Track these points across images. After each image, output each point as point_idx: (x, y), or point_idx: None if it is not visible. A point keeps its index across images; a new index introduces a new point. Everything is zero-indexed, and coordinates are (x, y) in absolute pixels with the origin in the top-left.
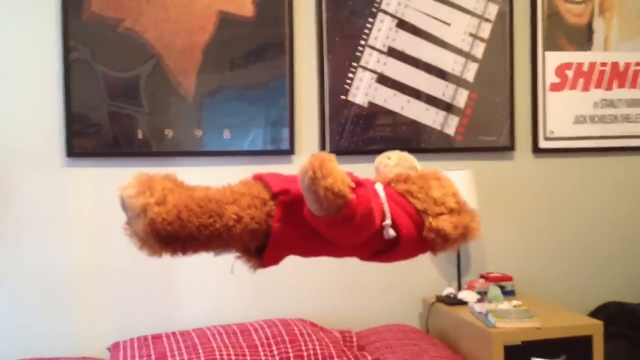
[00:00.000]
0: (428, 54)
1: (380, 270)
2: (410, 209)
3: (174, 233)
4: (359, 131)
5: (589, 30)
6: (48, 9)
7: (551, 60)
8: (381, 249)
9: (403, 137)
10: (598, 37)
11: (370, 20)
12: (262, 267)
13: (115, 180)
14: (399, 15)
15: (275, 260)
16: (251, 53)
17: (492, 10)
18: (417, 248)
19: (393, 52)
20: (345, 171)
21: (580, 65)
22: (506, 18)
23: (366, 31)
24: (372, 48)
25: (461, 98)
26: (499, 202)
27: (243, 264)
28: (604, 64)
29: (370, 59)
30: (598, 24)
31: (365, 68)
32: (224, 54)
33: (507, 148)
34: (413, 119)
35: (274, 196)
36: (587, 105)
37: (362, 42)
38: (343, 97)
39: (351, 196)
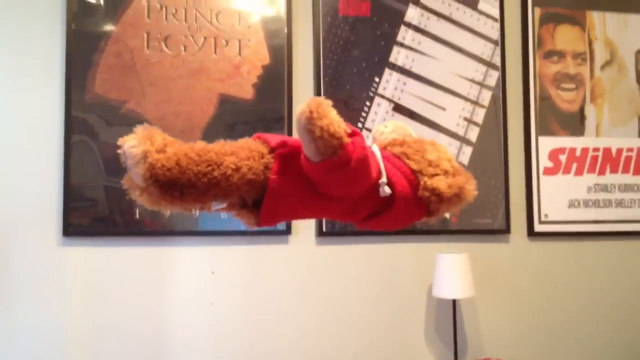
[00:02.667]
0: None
1: (376, 354)
2: (406, 170)
3: (172, 179)
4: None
5: (581, 116)
6: (51, 90)
7: (544, 145)
8: (376, 212)
9: None
10: (590, 123)
11: (368, 103)
12: (259, 223)
13: (110, 260)
14: (395, 99)
15: (271, 216)
16: (250, 130)
17: (486, 96)
18: (412, 208)
19: None
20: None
21: (573, 150)
22: (500, 104)
23: (363, 114)
24: (370, 131)
25: None
26: (495, 286)
27: (240, 219)
28: (596, 149)
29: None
30: (589, 111)
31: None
32: (223, 134)
33: (502, 231)
34: None
35: (271, 150)
36: (581, 189)
37: (360, 125)
38: None
39: (347, 139)
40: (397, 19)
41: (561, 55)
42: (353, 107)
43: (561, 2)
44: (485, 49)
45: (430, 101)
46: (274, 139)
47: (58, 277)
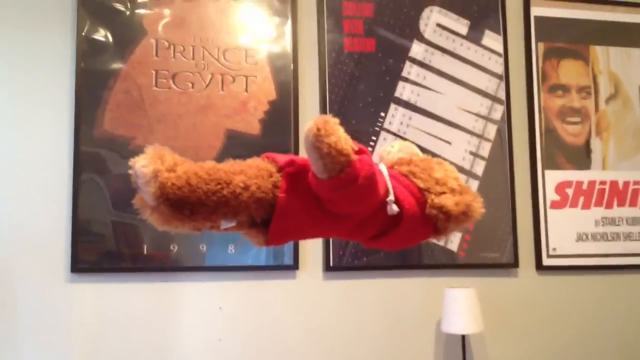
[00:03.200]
0: None
1: None
2: (413, 188)
3: (183, 197)
4: (362, 247)
5: (586, 149)
6: (61, 127)
7: (551, 178)
8: (383, 231)
9: (407, 253)
10: (596, 157)
11: (374, 138)
12: (267, 242)
13: (118, 296)
14: (401, 134)
15: (280, 234)
16: None
17: (491, 130)
18: (419, 226)
19: None
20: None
21: (579, 183)
22: (505, 137)
23: (370, 149)
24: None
25: None
26: (504, 320)
27: (250, 239)
28: (603, 183)
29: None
30: (595, 144)
31: None
32: None
33: (510, 265)
34: None
35: (280, 169)
36: (589, 223)
37: None
38: None
39: (354, 156)
40: (402, 55)
41: (566, 89)
42: (359, 142)
43: (564, 37)
44: (489, 84)
45: (436, 135)
46: (282, 158)
47: (66, 314)
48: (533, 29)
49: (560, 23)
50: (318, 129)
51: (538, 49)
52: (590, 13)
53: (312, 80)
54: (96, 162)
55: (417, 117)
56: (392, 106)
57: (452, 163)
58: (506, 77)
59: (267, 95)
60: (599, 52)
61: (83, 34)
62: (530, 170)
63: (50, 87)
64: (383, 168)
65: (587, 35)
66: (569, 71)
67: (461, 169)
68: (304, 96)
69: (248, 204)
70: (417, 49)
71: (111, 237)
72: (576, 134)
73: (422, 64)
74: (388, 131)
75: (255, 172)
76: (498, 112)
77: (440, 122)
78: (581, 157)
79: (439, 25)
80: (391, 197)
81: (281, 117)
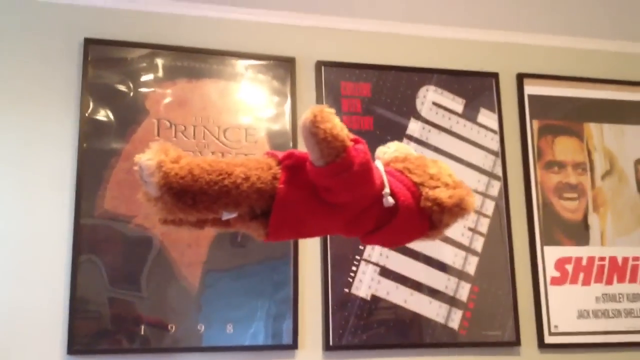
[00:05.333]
0: (428, 248)
1: None
2: (408, 182)
3: (185, 187)
4: (362, 324)
5: (584, 225)
6: (61, 207)
7: (550, 254)
8: (380, 225)
9: (407, 331)
10: (594, 232)
11: None
12: (267, 235)
13: None
14: None
15: (279, 225)
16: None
17: (489, 206)
18: (415, 219)
19: None
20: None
21: (579, 259)
22: (503, 213)
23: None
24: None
25: (463, 291)
26: None
27: (250, 233)
28: (602, 259)
29: (372, 252)
30: (593, 220)
31: (368, 261)
32: (229, 249)
33: (512, 343)
34: (416, 312)
35: (279, 163)
36: (590, 299)
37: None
38: (346, 290)
39: (349, 142)
40: (400, 132)
41: (561, 165)
42: None
43: (558, 115)
44: (486, 160)
45: None
46: (282, 153)
47: None
48: (527, 107)
49: (554, 101)
50: (315, 116)
51: (533, 126)
52: (582, 91)
53: None
54: (95, 242)
55: None
56: None
57: (450, 239)
58: (502, 154)
59: None
60: (593, 129)
61: (87, 114)
62: (530, 246)
63: (52, 167)
64: (379, 164)
65: (580, 112)
66: (564, 148)
67: (460, 245)
68: None
69: (248, 194)
70: (414, 127)
71: (107, 315)
72: (573, 209)
73: (419, 141)
74: None
75: (255, 164)
76: (495, 188)
77: None
78: (579, 232)
79: (435, 103)
80: (387, 190)
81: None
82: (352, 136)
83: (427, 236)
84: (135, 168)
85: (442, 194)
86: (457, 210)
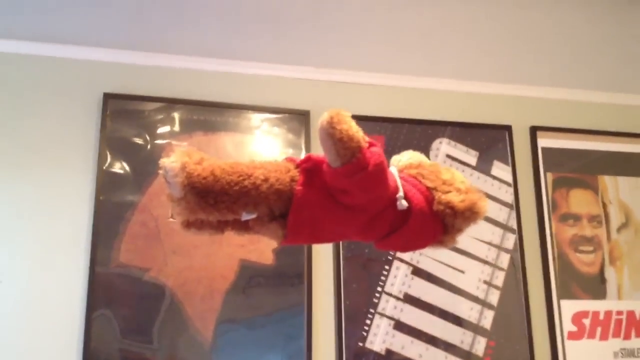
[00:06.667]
0: (444, 301)
1: None
2: (421, 187)
3: (207, 186)
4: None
5: (601, 279)
6: (76, 262)
7: (567, 308)
8: (394, 229)
9: None
10: (611, 286)
11: (387, 267)
12: (285, 236)
13: None
14: (414, 262)
15: (297, 226)
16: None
17: (504, 259)
18: (428, 223)
19: (409, 299)
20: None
21: (596, 314)
22: (519, 266)
23: (383, 278)
24: (389, 294)
25: (480, 346)
26: None
27: (269, 235)
28: (619, 313)
29: (387, 305)
30: (609, 273)
31: (382, 314)
32: (243, 301)
33: None
34: None
35: (297, 166)
36: (607, 355)
37: (379, 289)
38: (361, 344)
39: (364, 143)
40: None
41: (577, 218)
42: (372, 271)
43: (572, 167)
44: (500, 213)
45: (449, 264)
46: (300, 159)
47: None
48: (541, 160)
49: (567, 153)
50: (331, 117)
51: (547, 178)
52: (596, 144)
53: None
54: (109, 295)
55: None
56: None
57: (466, 292)
58: (517, 207)
59: None
60: (607, 181)
61: (104, 167)
62: (546, 299)
63: (69, 220)
64: (393, 169)
65: (594, 165)
66: (578, 200)
67: (476, 299)
68: None
69: (267, 195)
70: None
71: None
72: (590, 263)
73: None
74: (401, 260)
75: (274, 167)
76: (510, 241)
77: (453, 251)
78: (596, 286)
79: (448, 156)
80: (401, 194)
81: (294, 246)
82: (367, 139)
83: (441, 242)
84: (160, 171)
85: (455, 198)
86: (470, 214)
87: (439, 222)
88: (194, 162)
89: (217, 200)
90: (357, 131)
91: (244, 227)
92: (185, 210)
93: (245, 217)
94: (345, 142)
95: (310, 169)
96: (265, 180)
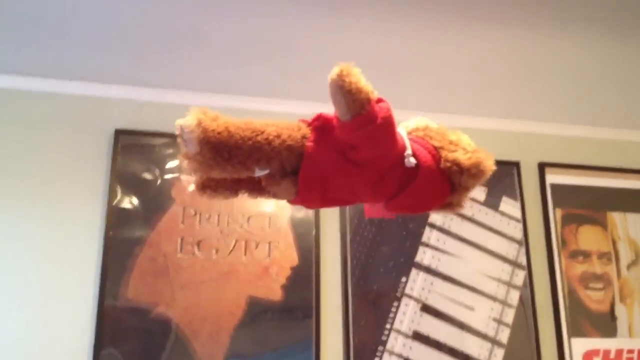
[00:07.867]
0: (453, 339)
1: None
2: (429, 146)
3: (222, 141)
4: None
5: (611, 316)
6: (85, 298)
7: (578, 346)
8: (403, 187)
9: None
10: (622, 324)
11: (395, 304)
12: (297, 193)
13: None
14: (423, 299)
15: (308, 181)
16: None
17: (514, 296)
18: (436, 181)
19: (418, 336)
20: None
21: (607, 352)
22: (528, 304)
23: (391, 315)
24: (398, 332)
25: None
26: None
27: (281, 193)
28: (630, 351)
29: (396, 343)
30: (620, 311)
31: (391, 352)
32: (251, 336)
33: None
34: None
35: (308, 125)
36: None
37: (388, 326)
38: None
39: (373, 95)
40: (422, 220)
41: (586, 255)
42: (381, 308)
43: (581, 204)
44: (510, 249)
45: (458, 301)
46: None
47: None
48: (549, 196)
49: (576, 190)
50: (341, 70)
51: (556, 215)
52: (604, 180)
53: (333, 246)
54: (116, 332)
55: (438, 282)
56: (414, 271)
57: (475, 330)
58: (526, 243)
59: (290, 262)
60: (616, 218)
61: (114, 204)
62: (556, 337)
63: (78, 256)
64: (401, 129)
65: (603, 201)
66: (588, 237)
67: (485, 337)
68: (325, 262)
69: (280, 151)
70: (436, 215)
71: None
72: (600, 300)
73: (441, 229)
74: (410, 296)
75: (286, 125)
76: (520, 277)
77: (462, 288)
78: (606, 324)
79: None
80: (409, 151)
81: (303, 282)
82: (376, 93)
83: (450, 205)
84: (177, 132)
85: (462, 156)
86: (476, 170)
87: (446, 181)
88: (210, 119)
89: (231, 155)
90: (365, 83)
91: (257, 188)
92: (201, 165)
93: (258, 173)
94: (354, 94)
95: (321, 126)
96: (278, 136)
